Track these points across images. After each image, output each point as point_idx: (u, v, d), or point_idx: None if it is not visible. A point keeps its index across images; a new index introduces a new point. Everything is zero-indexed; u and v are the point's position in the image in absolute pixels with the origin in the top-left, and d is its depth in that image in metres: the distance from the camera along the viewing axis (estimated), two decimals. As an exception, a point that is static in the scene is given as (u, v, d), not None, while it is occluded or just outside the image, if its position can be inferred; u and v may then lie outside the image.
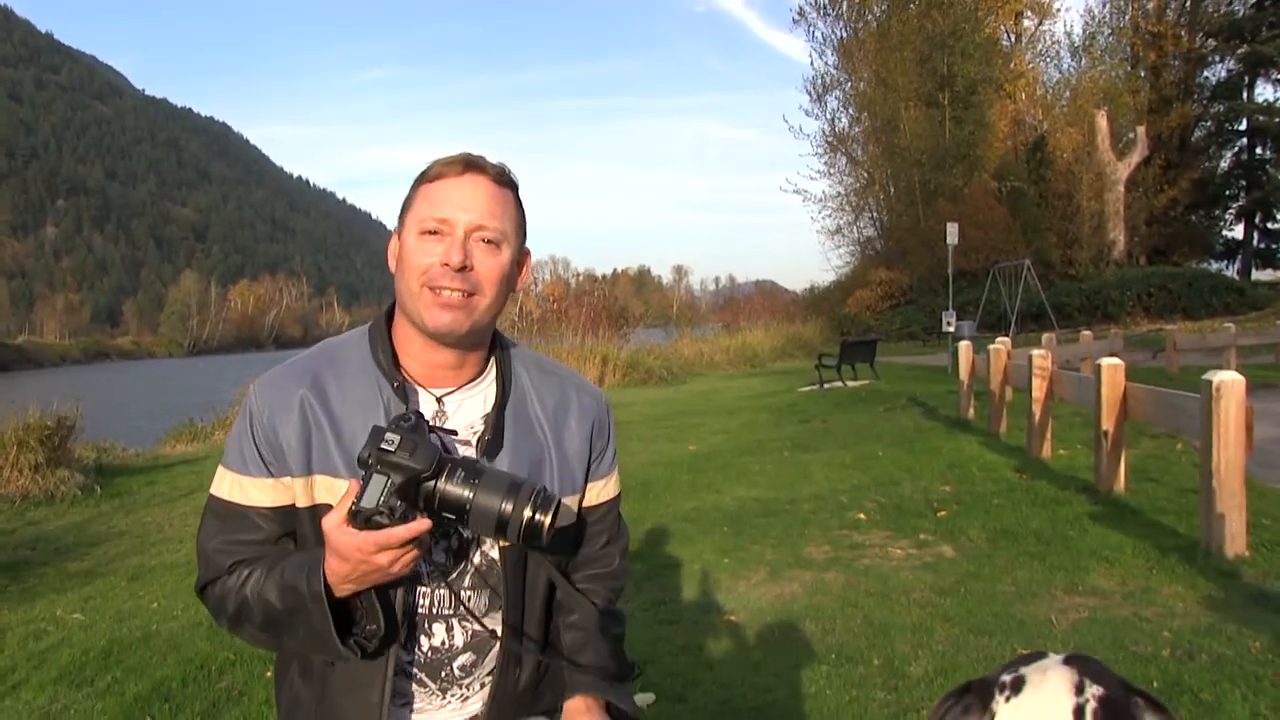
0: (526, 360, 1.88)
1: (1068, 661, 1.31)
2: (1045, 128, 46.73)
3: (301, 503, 1.71)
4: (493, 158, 1.75)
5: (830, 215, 61.39)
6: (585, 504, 1.91)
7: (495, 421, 1.76)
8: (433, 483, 1.52)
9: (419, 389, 1.76)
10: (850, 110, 53.95)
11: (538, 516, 1.52)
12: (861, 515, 8.27)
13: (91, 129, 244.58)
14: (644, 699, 4.57)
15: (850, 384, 21.95)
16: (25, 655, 5.87)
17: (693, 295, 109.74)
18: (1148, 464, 9.37)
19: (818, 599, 6.11)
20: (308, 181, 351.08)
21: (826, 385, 21.85)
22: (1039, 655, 1.35)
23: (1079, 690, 1.25)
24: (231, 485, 1.73)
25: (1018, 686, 1.29)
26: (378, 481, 1.49)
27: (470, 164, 1.70)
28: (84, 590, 7.47)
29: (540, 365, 1.90)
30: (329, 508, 1.60)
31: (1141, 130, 43.86)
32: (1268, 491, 8.01)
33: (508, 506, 1.51)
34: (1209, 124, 50.73)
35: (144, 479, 13.02)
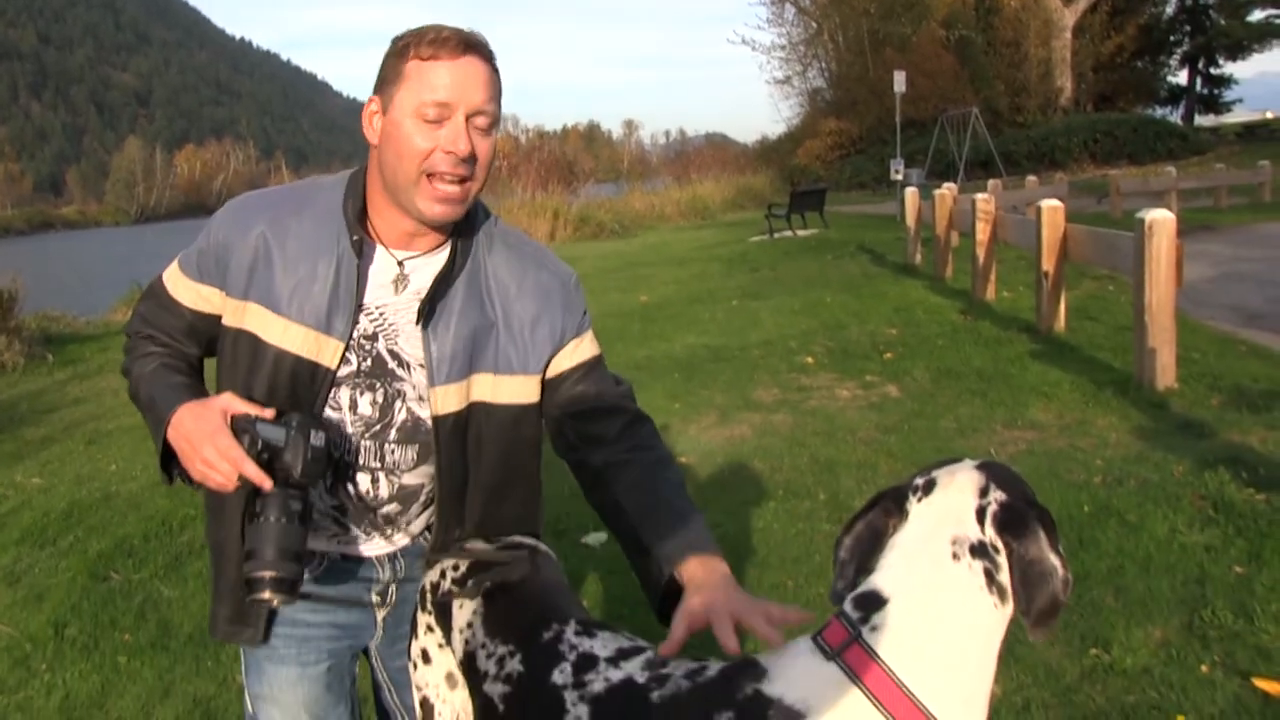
0: (493, 233, 1.86)
1: (979, 467, 1.42)
2: (994, -27, 46.04)
3: (229, 321, 1.77)
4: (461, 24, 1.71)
5: (779, 66, 60.58)
6: (557, 371, 1.88)
7: (431, 293, 1.76)
8: (285, 483, 1.63)
9: (381, 248, 1.77)
10: (798, -44, 52.79)
11: (254, 572, 1.61)
12: (809, 359, 8.42)
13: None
14: (596, 538, 4.72)
15: (800, 233, 22.03)
16: (-16, 519, 5.90)
17: (643, 149, 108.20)
18: (1087, 304, 9.60)
19: (766, 439, 6.28)
20: (250, 43, 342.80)
21: (776, 235, 21.91)
22: (953, 460, 1.46)
23: (983, 493, 1.37)
24: (172, 274, 1.85)
25: (929, 488, 1.42)
26: (280, 432, 1.63)
27: (466, 44, 1.65)
28: (41, 456, 7.51)
29: (506, 240, 1.88)
30: (254, 337, 1.74)
31: (1088, -25, 43.43)
32: (1199, 327, 8.28)
33: (266, 554, 1.60)
34: (1155, -32, 50.26)
35: (96, 346, 12.95)
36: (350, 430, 1.78)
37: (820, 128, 47.86)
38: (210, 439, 1.60)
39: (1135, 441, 5.58)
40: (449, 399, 1.78)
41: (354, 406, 1.78)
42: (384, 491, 1.83)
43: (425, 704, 1.82)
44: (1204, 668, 3.15)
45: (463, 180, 1.67)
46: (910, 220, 14.74)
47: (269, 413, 1.67)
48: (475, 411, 1.81)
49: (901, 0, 45.65)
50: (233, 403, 1.66)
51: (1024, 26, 43.14)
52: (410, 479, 1.84)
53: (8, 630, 4.36)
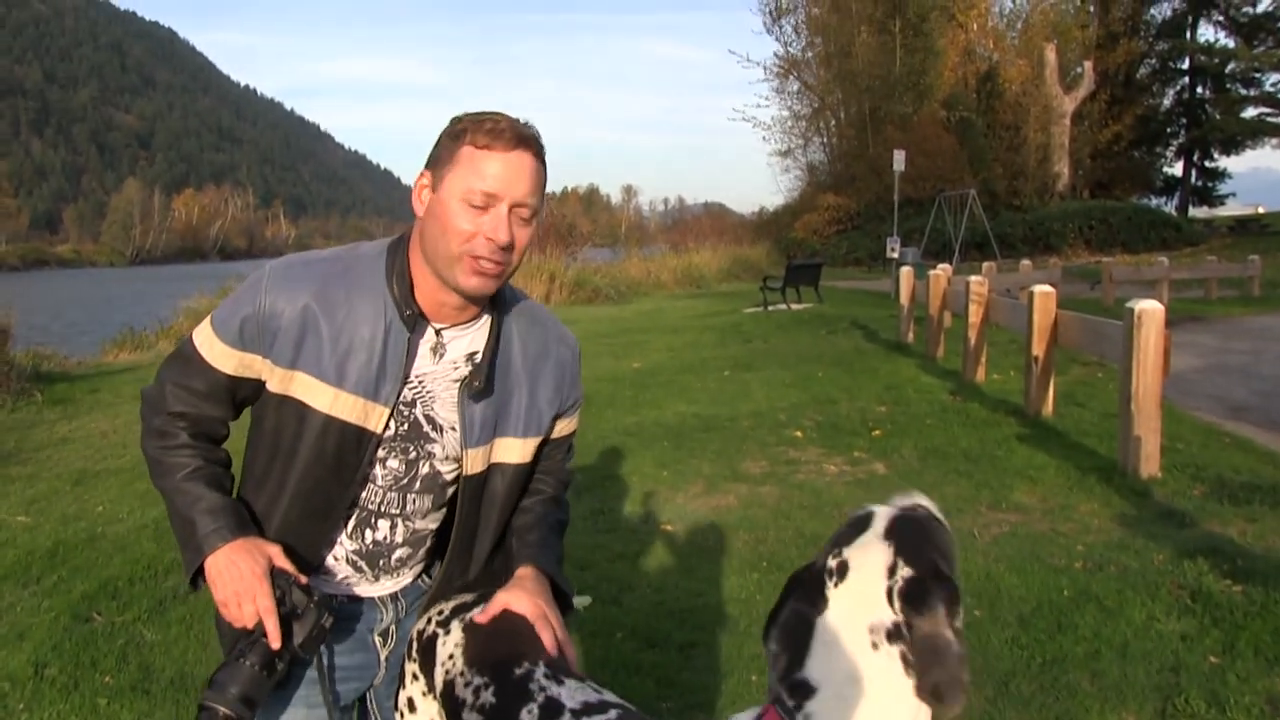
0: (520, 308, 2.00)
1: (888, 535, 1.43)
2: (996, 59, 46.84)
3: (274, 388, 1.84)
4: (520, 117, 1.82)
5: (780, 138, 61.30)
6: (550, 437, 2.07)
7: (487, 370, 1.90)
8: (291, 634, 1.78)
9: (423, 320, 1.88)
10: (804, 34, 53.71)
11: (210, 703, 1.70)
12: (798, 433, 8.47)
13: (29, 29, 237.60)
14: (581, 601, 4.73)
15: (794, 306, 22.16)
16: (-33, 556, 5.85)
17: (641, 215, 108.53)
18: (1075, 389, 9.68)
19: (752, 511, 6.30)
20: (255, 90, 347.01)
21: (771, 307, 22.03)
22: (864, 523, 1.46)
23: (891, 572, 1.38)
24: (206, 339, 1.85)
25: (843, 571, 1.42)
26: (304, 600, 1.79)
27: (520, 139, 1.76)
28: (27, 494, 7.43)
29: (531, 315, 2.01)
30: (300, 404, 1.82)
31: (1089, 65, 44.31)
32: (1185, 417, 8.36)
33: (230, 691, 1.70)
34: (1153, 61, 51.32)
35: (86, 386, 12.88)
36: (379, 484, 1.92)
37: (819, 202, 48.21)
38: (257, 581, 1.75)
39: (1117, 528, 5.62)
40: (477, 460, 1.93)
41: (384, 463, 1.91)
42: (399, 537, 1.97)
43: None
44: (1175, 756, 3.18)
45: (501, 264, 1.78)
46: (904, 298, 14.88)
47: (303, 579, 1.81)
48: (494, 471, 1.97)
49: (903, 80, 46.33)
50: (278, 557, 1.81)
51: (1024, 111, 43.85)
52: (422, 524, 1.99)
53: (-14, 669, 4.31)
